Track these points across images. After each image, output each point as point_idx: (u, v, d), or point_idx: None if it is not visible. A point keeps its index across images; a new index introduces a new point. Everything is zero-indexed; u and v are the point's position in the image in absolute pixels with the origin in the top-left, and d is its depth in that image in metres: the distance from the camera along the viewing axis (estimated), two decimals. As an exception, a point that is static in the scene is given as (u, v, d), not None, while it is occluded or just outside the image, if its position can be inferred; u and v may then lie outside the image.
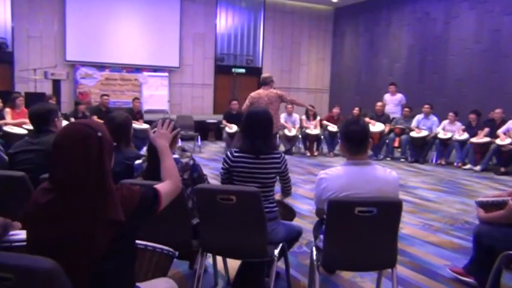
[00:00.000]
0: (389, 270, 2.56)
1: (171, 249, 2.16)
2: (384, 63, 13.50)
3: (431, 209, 5.47)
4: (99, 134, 1.62)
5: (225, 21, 14.04)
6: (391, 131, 9.49)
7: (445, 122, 9.11)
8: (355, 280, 3.30)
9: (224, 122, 10.24)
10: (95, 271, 1.58)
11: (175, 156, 2.87)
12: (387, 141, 9.41)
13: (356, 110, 10.22)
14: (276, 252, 2.71)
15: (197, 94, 13.77)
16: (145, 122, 9.49)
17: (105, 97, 9.77)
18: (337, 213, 2.43)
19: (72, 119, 7.90)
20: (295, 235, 3.04)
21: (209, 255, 2.96)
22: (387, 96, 10.68)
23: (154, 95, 11.40)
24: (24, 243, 1.79)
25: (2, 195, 2.65)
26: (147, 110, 11.21)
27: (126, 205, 1.64)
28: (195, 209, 2.88)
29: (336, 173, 2.61)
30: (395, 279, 2.54)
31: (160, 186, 1.86)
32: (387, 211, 2.41)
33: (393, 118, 9.93)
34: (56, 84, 10.27)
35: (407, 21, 12.80)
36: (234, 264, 3.22)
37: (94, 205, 1.56)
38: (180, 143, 9.70)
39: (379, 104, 10.08)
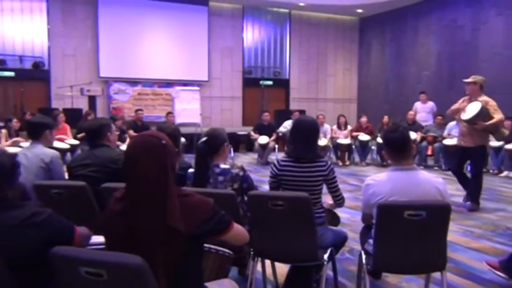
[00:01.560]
0: (437, 276, 2.61)
1: (231, 252, 2.27)
2: (412, 72, 13.46)
3: (471, 216, 5.45)
4: (163, 142, 1.75)
5: (251, 34, 14.29)
6: (423, 139, 9.45)
7: (479, 129, 9.01)
8: (402, 285, 3.35)
9: (252, 132, 10.40)
10: (170, 272, 1.69)
11: (226, 166, 2.99)
12: (420, 149, 9.36)
13: (386, 118, 10.28)
14: (326, 256, 2.79)
15: (226, 107, 14.01)
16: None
17: (140, 112, 10.10)
18: (386, 217, 2.50)
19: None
20: (342, 240, 3.12)
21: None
22: (418, 105, 10.66)
23: (187, 108, 11.66)
24: (102, 246, 1.93)
25: (66, 203, 2.81)
26: (180, 123, 11.39)
27: (193, 212, 1.74)
28: (245, 217, 2.99)
29: (383, 179, 2.69)
30: (445, 281, 2.59)
31: (236, 224, 1.92)
32: (436, 214, 2.47)
33: (425, 126, 9.90)
34: (92, 100, 10.63)
35: (434, 28, 12.77)
36: (281, 270, 3.31)
37: (161, 211, 1.67)
38: (232, 154, 9.93)
39: (411, 112, 10.07)
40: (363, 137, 9.99)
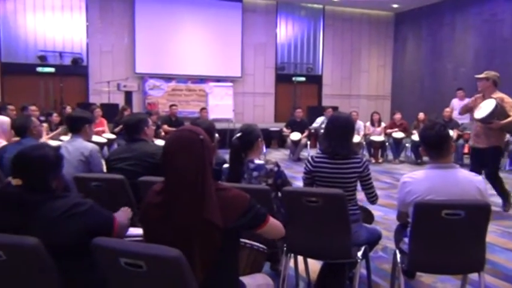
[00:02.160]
0: (473, 277, 2.56)
1: (265, 247, 2.29)
2: (449, 68, 13.12)
3: (510, 216, 5.29)
4: (201, 137, 1.78)
5: (285, 31, 14.24)
6: (460, 137, 9.22)
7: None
8: (436, 286, 3.29)
9: (284, 129, 10.40)
10: (207, 265, 1.72)
11: (261, 162, 3.01)
12: (456, 147, 9.13)
13: (421, 115, 10.09)
14: (359, 254, 2.78)
15: (258, 103, 14.04)
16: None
17: (174, 107, 10.27)
18: (423, 215, 2.46)
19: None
20: (376, 238, 3.10)
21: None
22: (455, 102, 10.40)
23: (220, 104, 11.76)
24: (140, 238, 1.98)
25: (104, 195, 2.89)
26: (213, 119, 11.49)
27: (230, 206, 1.76)
28: (278, 213, 3.00)
29: (420, 177, 2.64)
30: (483, 283, 2.53)
31: (271, 217, 1.94)
32: (475, 214, 2.41)
33: (462, 124, 9.65)
34: (128, 95, 10.87)
35: (473, 23, 12.39)
36: (314, 267, 3.31)
37: (199, 205, 1.70)
38: (265, 150, 10.01)
39: (447, 109, 9.84)
40: (397, 134, 9.84)
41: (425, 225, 2.47)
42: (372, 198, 3.08)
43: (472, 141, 5.50)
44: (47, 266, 1.80)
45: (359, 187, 3.03)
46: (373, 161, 9.72)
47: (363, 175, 2.97)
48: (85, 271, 1.95)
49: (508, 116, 4.95)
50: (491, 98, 5.05)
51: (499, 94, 5.14)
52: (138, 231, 2.12)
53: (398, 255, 2.74)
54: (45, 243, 1.78)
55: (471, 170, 5.52)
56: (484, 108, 5.01)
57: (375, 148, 9.94)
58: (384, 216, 5.09)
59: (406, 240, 2.65)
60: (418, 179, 2.63)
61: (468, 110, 5.41)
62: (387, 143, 9.97)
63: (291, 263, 3.26)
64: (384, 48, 15.32)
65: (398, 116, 10.31)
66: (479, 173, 5.46)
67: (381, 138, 9.87)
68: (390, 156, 10.09)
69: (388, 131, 10.06)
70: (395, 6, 14.22)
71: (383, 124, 10.35)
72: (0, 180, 3.11)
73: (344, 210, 2.62)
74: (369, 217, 3.37)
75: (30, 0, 11.66)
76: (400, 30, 15.14)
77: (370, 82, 15.30)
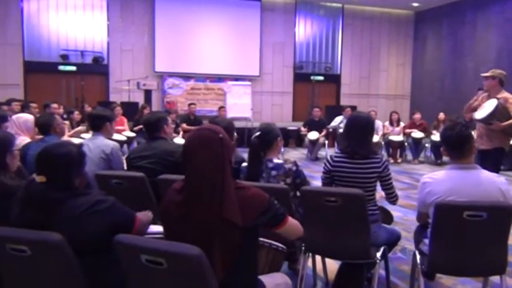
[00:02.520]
0: (495, 280, 2.52)
1: (284, 247, 2.30)
2: (470, 67, 12.91)
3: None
4: (221, 135, 1.79)
5: (303, 30, 14.20)
6: (480, 137, 9.07)
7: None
8: (457, 288, 3.26)
9: (302, 128, 10.39)
10: (227, 263, 1.73)
11: (279, 161, 3.02)
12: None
13: (442, 115, 9.96)
14: (378, 255, 2.76)
15: (276, 102, 14.03)
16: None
17: (193, 106, 10.35)
18: (444, 217, 2.43)
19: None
20: (395, 239, 3.07)
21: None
22: (476, 102, 10.23)
23: (238, 103, 11.79)
24: (160, 235, 2.01)
25: (125, 193, 2.93)
26: (231, 117, 11.52)
27: (250, 205, 1.77)
28: (296, 213, 3.01)
29: (441, 177, 2.61)
30: (505, 286, 2.49)
31: (290, 217, 1.95)
32: (498, 216, 2.38)
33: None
34: (147, 94, 10.98)
35: (495, 22, 12.16)
36: (331, 266, 3.30)
37: (219, 204, 1.71)
38: (282, 150, 10.00)
39: (468, 109, 9.69)
40: (416, 134, 9.74)
41: (446, 226, 2.45)
42: (393, 198, 3.06)
43: (476, 143, 5.31)
44: (70, 262, 1.83)
45: (378, 187, 3.01)
46: (392, 161, 9.63)
47: (383, 175, 2.94)
48: (106, 268, 1.98)
49: (510, 117, 4.72)
50: (495, 98, 4.81)
51: (504, 94, 4.90)
52: (158, 228, 2.14)
53: (418, 257, 2.72)
54: (68, 240, 1.81)
55: None
56: (486, 108, 4.79)
57: (394, 148, 9.86)
58: (403, 217, 5.05)
59: (426, 241, 2.63)
60: (438, 180, 2.60)
61: (472, 109, 5.22)
62: (406, 143, 9.88)
63: (309, 263, 3.27)
64: (404, 47, 15.16)
65: (418, 116, 10.19)
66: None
67: (400, 138, 9.79)
68: (409, 156, 9.99)
69: (407, 130, 9.96)
70: (415, 4, 14.06)
71: (402, 124, 10.25)
72: (24, 177, 3.17)
73: (363, 210, 2.61)
74: (388, 217, 3.35)
75: (53, 0, 11.86)
76: (420, 29, 14.96)
77: (389, 81, 15.16)
